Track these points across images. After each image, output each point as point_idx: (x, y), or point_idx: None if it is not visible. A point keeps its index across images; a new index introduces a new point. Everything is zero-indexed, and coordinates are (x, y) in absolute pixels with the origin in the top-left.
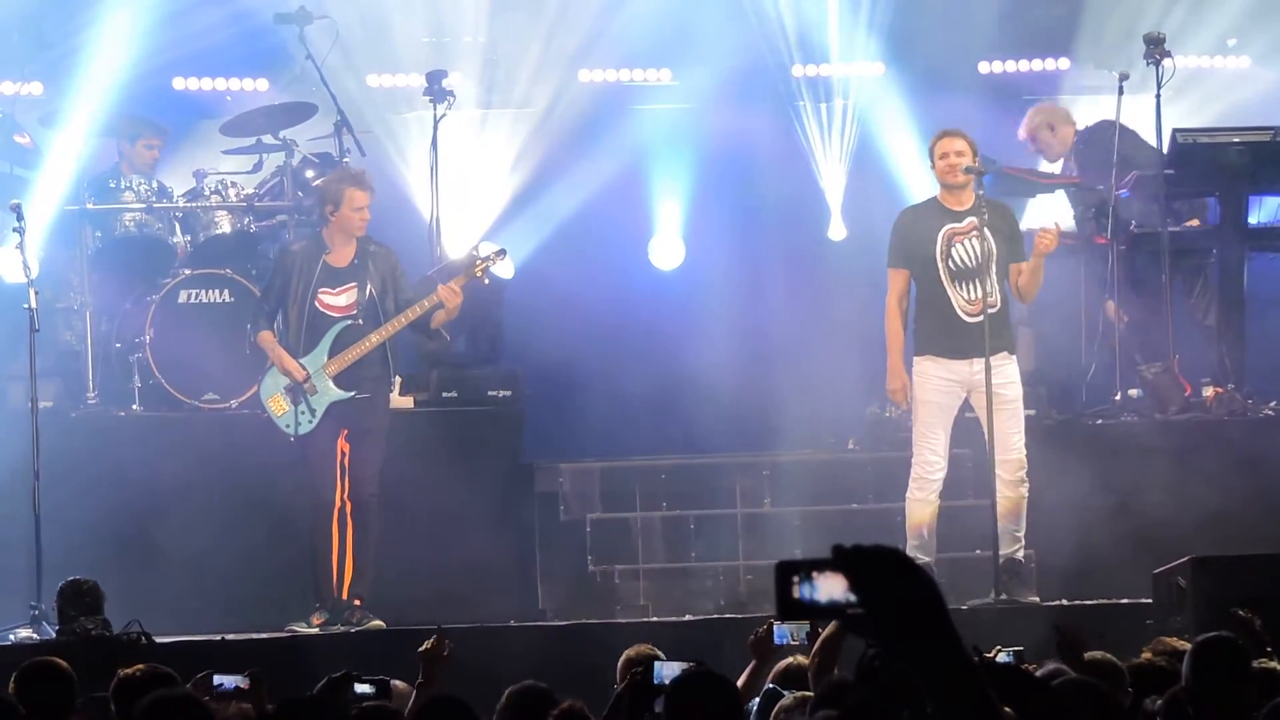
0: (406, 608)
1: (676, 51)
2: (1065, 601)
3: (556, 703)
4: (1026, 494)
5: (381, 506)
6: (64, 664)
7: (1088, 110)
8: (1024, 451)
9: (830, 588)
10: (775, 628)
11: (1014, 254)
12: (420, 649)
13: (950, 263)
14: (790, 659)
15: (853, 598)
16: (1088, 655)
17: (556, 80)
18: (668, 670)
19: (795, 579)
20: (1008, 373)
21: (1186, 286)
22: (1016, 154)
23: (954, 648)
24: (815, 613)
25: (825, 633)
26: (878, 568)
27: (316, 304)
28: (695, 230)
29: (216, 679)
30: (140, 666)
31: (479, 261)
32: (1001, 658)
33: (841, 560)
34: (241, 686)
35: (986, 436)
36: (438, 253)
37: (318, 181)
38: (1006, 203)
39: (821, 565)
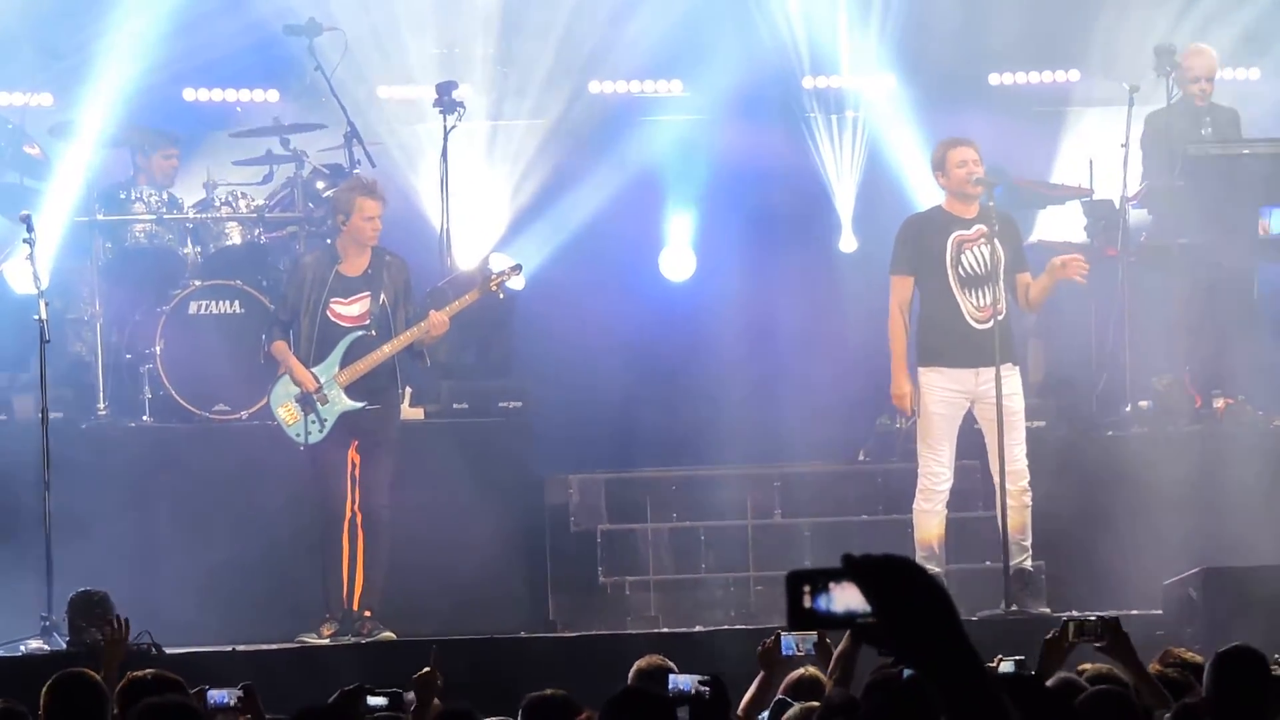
0: (417, 619)
1: (687, 63)
2: (1075, 613)
3: (577, 711)
4: (1029, 504)
5: (392, 518)
6: (96, 675)
7: (1098, 123)
8: (1025, 463)
9: (841, 597)
10: (782, 639)
11: (1018, 264)
12: (415, 675)
13: (960, 269)
14: (802, 670)
15: (864, 607)
16: (1092, 667)
17: (567, 91)
18: (682, 682)
19: (806, 589)
20: (1012, 384)
21: (1197, 298)
22: (1027, 165)
23: (967, 656)
24: (826, 623)
25: (841, 646)
26: (889, 576)
27: (328, 314)
28: (706, 242)
29: (210, 694)
30: (149, 671)
31: (494, 276)
32: (1004, 667)
33: (852, 569)
34: (237, 699)
35: (990, 447)
36: (448, 264)
37: (330, 191)
38: (1017, 214)
39: (832, 575)
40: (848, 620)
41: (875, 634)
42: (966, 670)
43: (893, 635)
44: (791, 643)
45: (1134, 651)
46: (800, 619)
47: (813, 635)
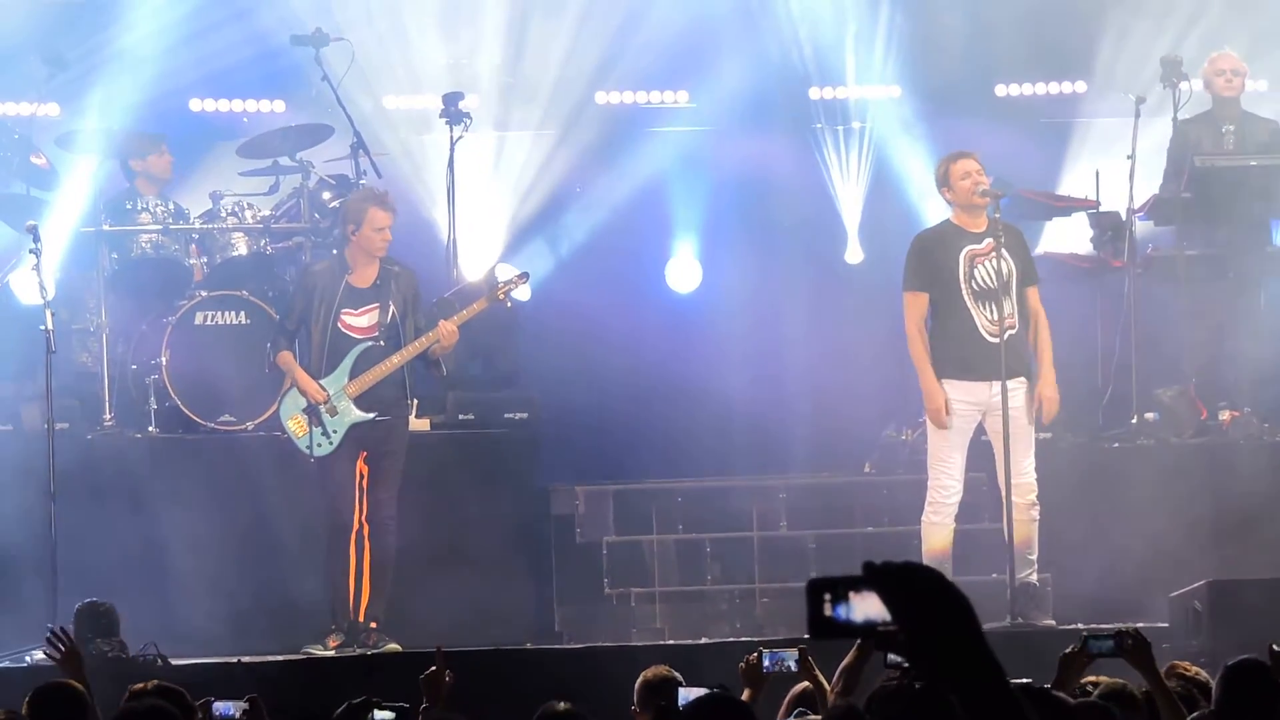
0: (422, 630)
1: (694, 74)
2: (1081, 625)
3: None
4: (1038, 517)
5: (399, 529)
6: (78, 685)
7: (1105, 135)
8: (1034, 475)
9: (861, 606)
10: (764, 654)
11: (1028, 276)
12: (422, 675)
13: (974, 283)
14: (804, 684)
15: (884, 616)
16: (1107, 684)
17: (573, 102)
18: (692, 695)
19: (826, 597)
20: (1022, 396)
21: (1203, 310)
22: (1033, 177)
23: (989, 666)
24: (847, 631)
25: (847, 659)
26: (910, 584)
27: (339, 325)
28: (712, 253)
29: (216, 706)
30: (151, 682)
31: (501, 285)
32: None
33: (874, 577)
34: (242, 711)
35: (999, 460)
36: (455, 275)
37: (336, 201)
38: (1023, 226)
39: (853, 583)
40: (868, 629)
41: (895, 643)
42: (988, 680)
43: (913, 644)
44: (774, 658)
45: (1154, 662)
46: (820, 627)
47: (794, 651)
